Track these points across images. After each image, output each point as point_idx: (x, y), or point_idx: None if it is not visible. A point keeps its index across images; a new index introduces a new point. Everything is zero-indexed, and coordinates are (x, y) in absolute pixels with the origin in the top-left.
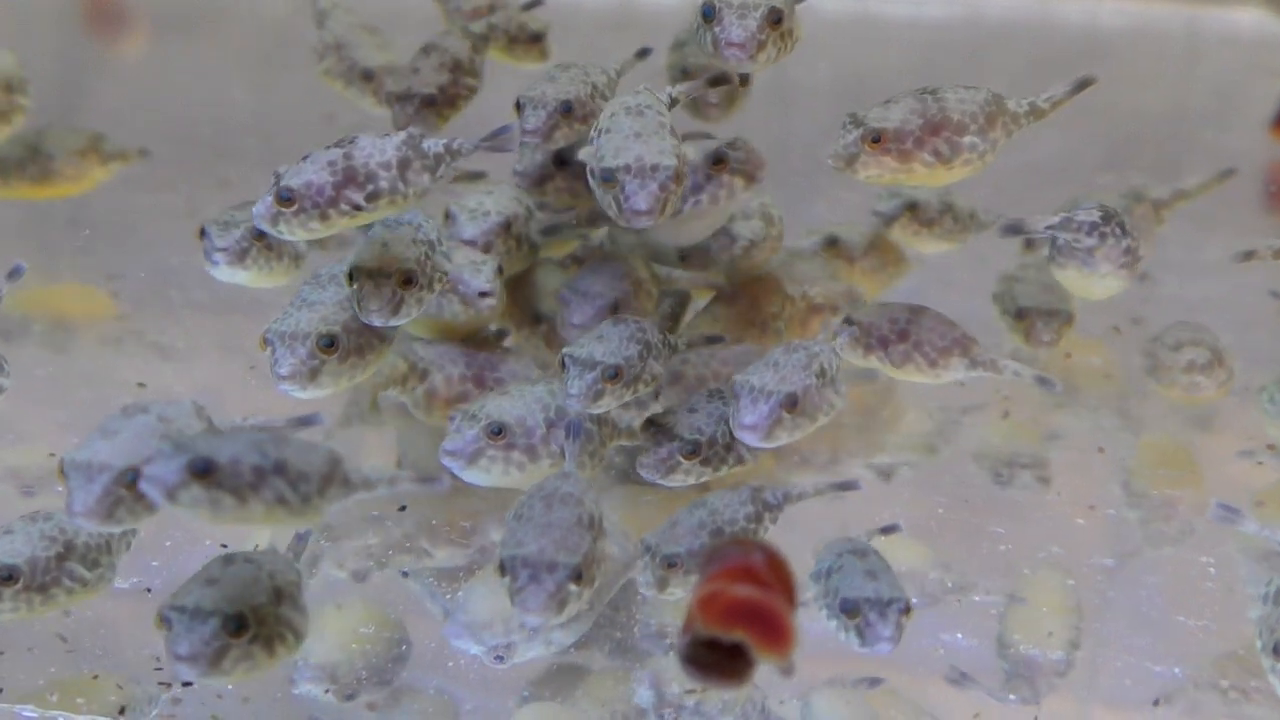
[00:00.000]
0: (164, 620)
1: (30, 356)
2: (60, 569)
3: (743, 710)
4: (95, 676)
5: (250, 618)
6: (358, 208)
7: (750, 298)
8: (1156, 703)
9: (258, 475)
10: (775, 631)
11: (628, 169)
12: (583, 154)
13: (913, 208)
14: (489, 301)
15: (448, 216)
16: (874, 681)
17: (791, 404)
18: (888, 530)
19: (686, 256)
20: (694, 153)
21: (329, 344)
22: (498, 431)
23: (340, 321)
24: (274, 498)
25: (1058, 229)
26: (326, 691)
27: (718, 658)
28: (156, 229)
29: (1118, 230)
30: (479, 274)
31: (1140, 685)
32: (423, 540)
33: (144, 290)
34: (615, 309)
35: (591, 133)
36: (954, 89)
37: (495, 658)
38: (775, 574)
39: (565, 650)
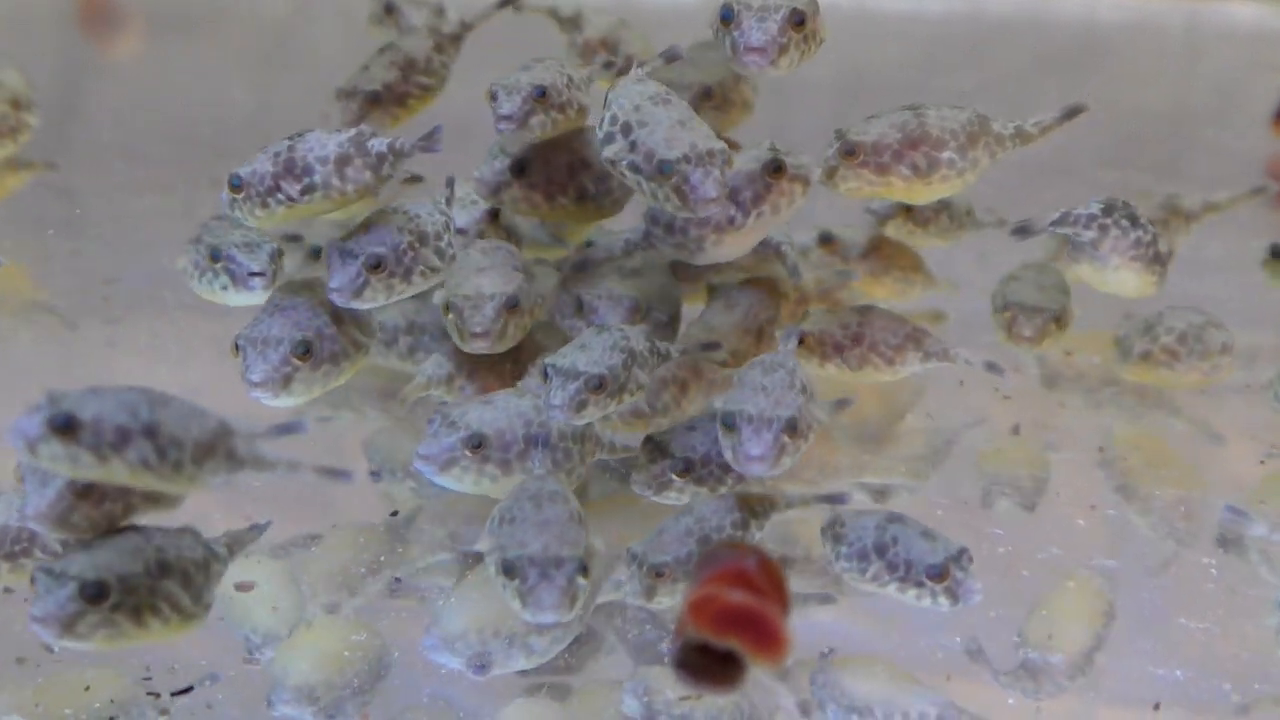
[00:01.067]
0: (31, 581)
1: (25, 356)
2: (33, 542)
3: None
4: (87, 688)
5: (114, 585)
6: (292, 199)
7: (747, 306)
8: (1157, 707)
9: (121, 435)
10: (768, 637)
11: (687, 159)
12: (609, 152)
13: (908, 207)
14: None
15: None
16: (830, 651)
17: (792, 429)
18: (833, 499)
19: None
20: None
21: (304, 350)
22: (478, 445)
23: (314, 327)
24: (138, 460)
25: (1058, 224)
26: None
27: (710, 662)
28: (153, 230)
29: (1124, 222)
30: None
31: (1142, 688)
32: (415, 547)
33: (139, 292)
34: (640, 310)
35: (608, 129)
36: (939, 107)
37: (475, 668)
38: (768, 578)
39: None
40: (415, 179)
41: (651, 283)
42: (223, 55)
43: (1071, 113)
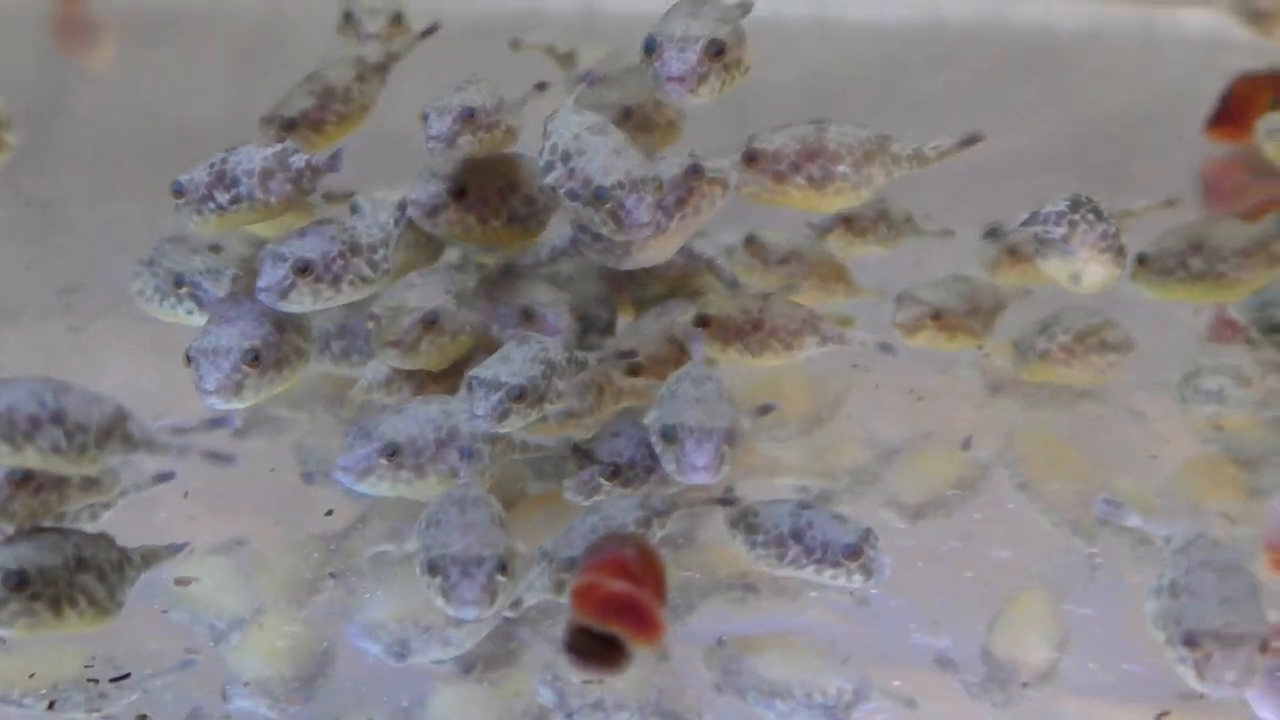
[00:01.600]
0: None
1: None
2: None
3: (639, 705)
4: (31, 675)
5: (34, 576)
6: (223, 208)
7: (677, 314)
8: (1025, 684)
9: (33, 424)
10: (645, 622)
11: (621, 185)
12: (549, 179)
13: (847, 220)
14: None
15: (353, 209)
16: (724, 639)
17: (730, 438)
18: (726, 501)
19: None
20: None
21: (253, 358)
22: (392, 453)
23: (260, 336)
24: (49, 446)
25: (1028, 224)
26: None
27: (597, 646)
28: (121, 237)
29: (1090, 216)
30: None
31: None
32: (357, 542)
33: (102, 300)
34: (585, 319)
35: (549, 158)
36: (842, 123)
37: (394, 655)
38: (646, 568)
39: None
40: (345, 196)
41: (588, 288)
42: (197, 64)
43: (968, 141)
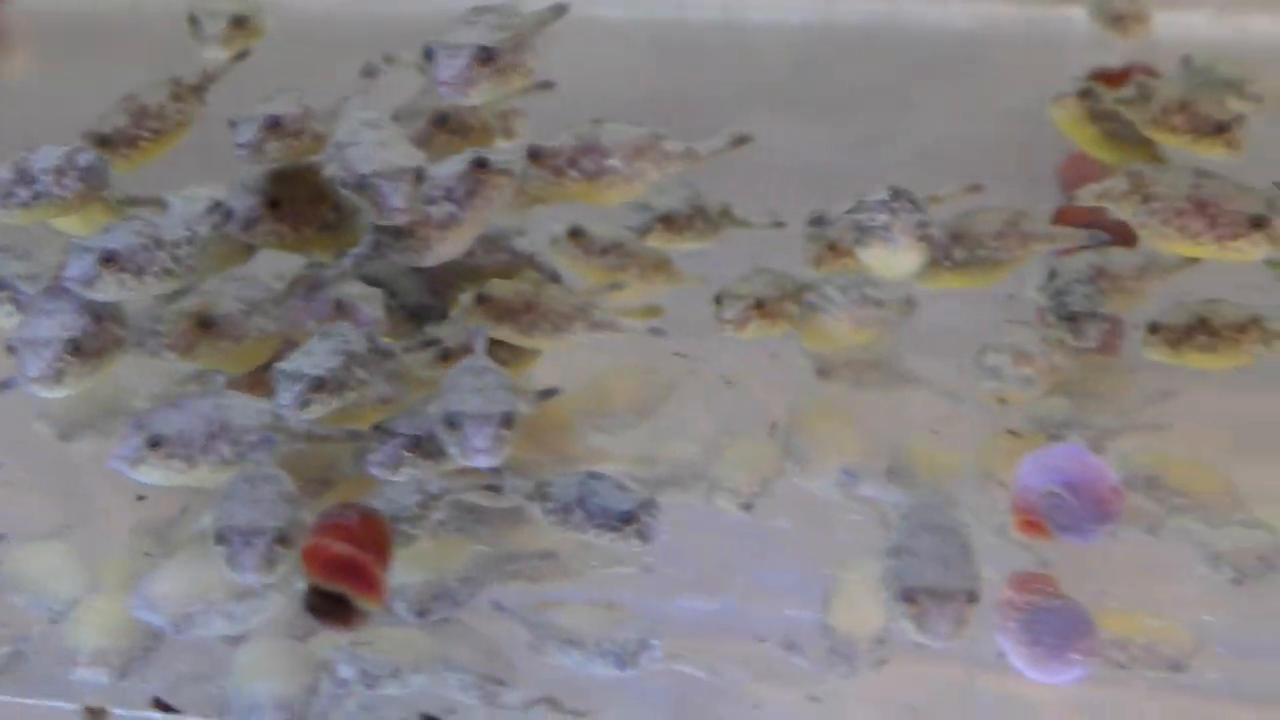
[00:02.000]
0: None
1: None
2: None
3: (430, 669)
4: None
5: None
6: (25, 203)
7: (498, 311)
8: (762, 640)
9: None
10: (366, 582)
11: (379, 174)
12: (328, 171)
13: (665, 219)
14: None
15: (162, 206)
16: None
17: (508, 422)
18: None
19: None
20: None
21: (73, 348)
22: (156, 444)
23: (79, 326)
24: None
25: (853, 212)
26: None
27: (332, 605)
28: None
29: (909, 206)
30: None
31: (774, 626)
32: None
33: None
34: (422, 312)
35: (330, 151)
36: (620, 124)
37: (176, 629)
38: (369, 532)
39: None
40: (150, 200)
41: (417, 283)
42: (112, 73)
43: (738, 141)
